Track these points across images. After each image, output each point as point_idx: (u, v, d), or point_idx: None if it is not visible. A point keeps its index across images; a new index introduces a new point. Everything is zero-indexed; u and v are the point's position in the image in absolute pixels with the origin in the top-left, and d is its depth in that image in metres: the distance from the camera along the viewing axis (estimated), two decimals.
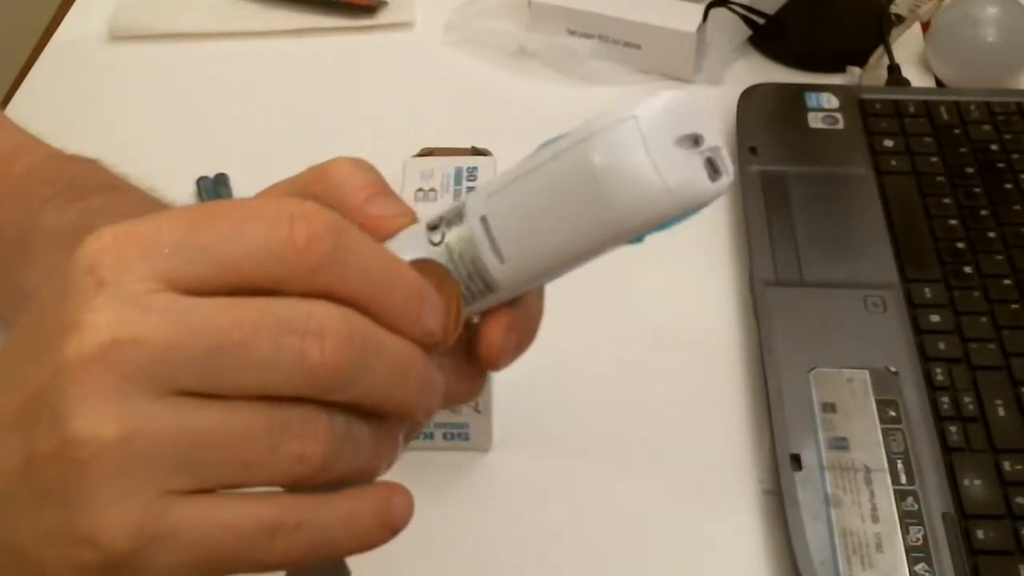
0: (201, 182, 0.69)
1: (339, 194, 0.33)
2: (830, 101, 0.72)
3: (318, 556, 0.30)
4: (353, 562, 0.51)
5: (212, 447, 0.28)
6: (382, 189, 0.34)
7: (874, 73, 0.76)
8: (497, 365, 0.33)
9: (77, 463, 0.28)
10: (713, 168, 0.31)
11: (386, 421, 0.31)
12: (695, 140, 0.31)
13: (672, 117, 0.30)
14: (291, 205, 0.29)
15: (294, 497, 0.30)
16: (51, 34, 0.84)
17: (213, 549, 0.29)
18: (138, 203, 0.54)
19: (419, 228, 0.33)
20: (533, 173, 0.31)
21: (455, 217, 0.33)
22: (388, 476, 0.32)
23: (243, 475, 0.28)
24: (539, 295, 0.34)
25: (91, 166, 0.56)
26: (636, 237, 0.31)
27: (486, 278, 0.32)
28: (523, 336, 0.34)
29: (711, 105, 0.32)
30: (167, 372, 0.28)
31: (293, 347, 0.28)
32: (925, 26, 0.78)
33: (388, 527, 0.31)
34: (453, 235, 0.32)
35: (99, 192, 0.54)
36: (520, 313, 0.33)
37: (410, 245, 0.33)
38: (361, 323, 0.29)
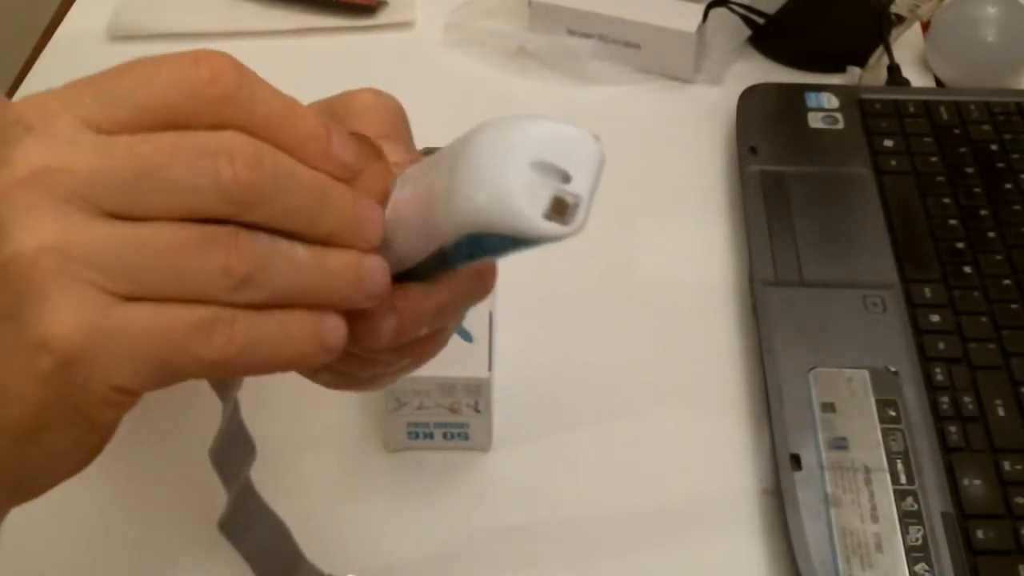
0: None
1: (356, 123, 0.36)
2: (830, 101, 0.72)
3: (256, 360, 0.31)
4: (351, 559, 0.51)
5: (145, 254, 0.30)
6: (394, 131, 0.36)
7: (874, 73, 0.76)
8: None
9: (21, 276, 0.29)
10: (559, 212, 0.29)
11: (331, 251, 0.32)
12: (563, 177, 0.30)
13: (548, 142, 0.30)
14: (195, 51, 0.31)
15: (230, 307, 0.31)
16: (51, 34, 0.84)
17: (159, 343, 0.30)
18: None
19: None
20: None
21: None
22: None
23: (176, 284, 0.30)
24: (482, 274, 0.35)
25: None
26: (476, 248, 0.31)
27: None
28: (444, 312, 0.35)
29: (600, 155, 0.31)
30: (96, 194, 0.30)
31: (208, 168, 0.30)
32: (925, 26, 0.78)
33: (319, 340, 0.32)
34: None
35: None
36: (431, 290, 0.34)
37: None
38: (270, 150, 0.31)
